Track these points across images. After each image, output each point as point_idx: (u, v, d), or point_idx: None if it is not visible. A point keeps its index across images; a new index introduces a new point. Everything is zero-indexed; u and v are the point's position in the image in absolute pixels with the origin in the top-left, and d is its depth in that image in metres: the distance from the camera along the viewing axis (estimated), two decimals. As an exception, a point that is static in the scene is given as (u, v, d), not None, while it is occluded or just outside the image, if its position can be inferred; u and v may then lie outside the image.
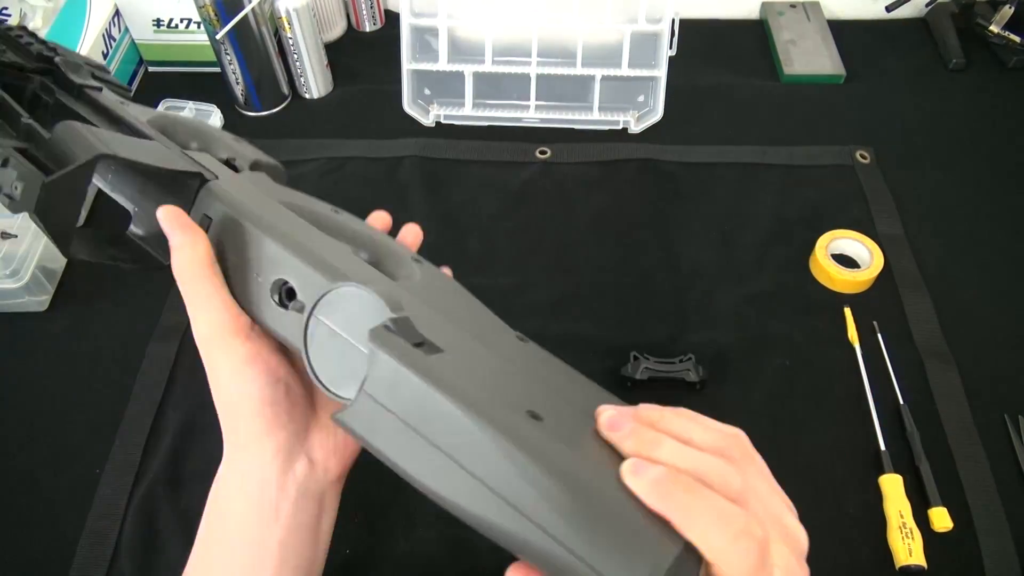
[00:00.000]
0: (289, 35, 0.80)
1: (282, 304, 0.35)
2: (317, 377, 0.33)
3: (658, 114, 0.81)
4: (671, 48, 0.79)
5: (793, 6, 0.96)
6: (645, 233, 0.73)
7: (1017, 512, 0.55)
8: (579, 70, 0.80)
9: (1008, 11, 0.89)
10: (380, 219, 0.45)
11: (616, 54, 0.79)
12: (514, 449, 0.27)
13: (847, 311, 0.66)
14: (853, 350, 0.63)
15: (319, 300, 0.33)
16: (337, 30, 0.94)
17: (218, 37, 0.77)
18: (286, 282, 0.35)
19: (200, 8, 0.75)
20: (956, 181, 0.77)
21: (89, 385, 0.63)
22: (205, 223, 0.38)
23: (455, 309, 0.39)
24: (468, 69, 0.80)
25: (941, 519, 0.54)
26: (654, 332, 0.65)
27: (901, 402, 0.60)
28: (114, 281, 0.70)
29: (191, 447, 0.58)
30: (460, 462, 0.28)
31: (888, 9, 0.92)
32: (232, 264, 0.37)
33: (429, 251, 0.44)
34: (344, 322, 0.32)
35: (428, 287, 0.39)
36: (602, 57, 0.80)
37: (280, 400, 0.37)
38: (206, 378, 0.66)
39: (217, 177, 0.38)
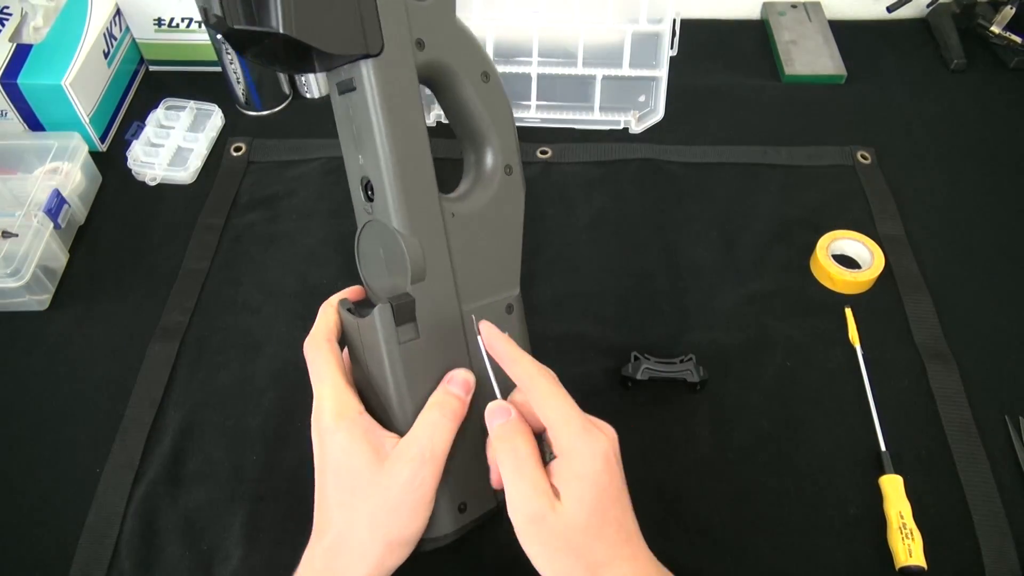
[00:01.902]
0: (290, 35, 0.80)
1: (368, 197, 0.45)
2: (360, 260, 0.47)
3: (659, 114, 0.81)
4: (672, 48, 0.79)
5: (794, 6, 0.96)
6: (645, 233, 0.73)
7: (1017, 512, 0.55)
8: (580, 70, 0.80)
9: (1009, 12, 0.88)
10: None
11: (617, 54, 0.79)
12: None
13: (848, 311, 0.66)
14: (854, 350, 0.63)
15: (369, 223, 0.45)
16: (338, 30, 0.94)
17: (219, 36, 0.77)
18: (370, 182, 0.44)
19: (201, 7, 0.75)
20: (957, 182, 0.77)
21: (89, 385, 0.63)
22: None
23: (471, 258, 0.47)
24: (469, 69, 0.80)
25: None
26: (654, 332, 0.65)
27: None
28: (114, 281, 0.70)
29: (191, 447, 0.58)
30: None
31: (889, 9, 0.92)
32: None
33: (429, 251, 0.45)
34: (384, 250, 0.44)
35: (469, 222, 0.47)
36: (603, 57, 0.80)
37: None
38: (206, 378, 0.66)
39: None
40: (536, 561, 0.39)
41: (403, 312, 0.43)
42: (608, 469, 0.40)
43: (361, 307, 0.45)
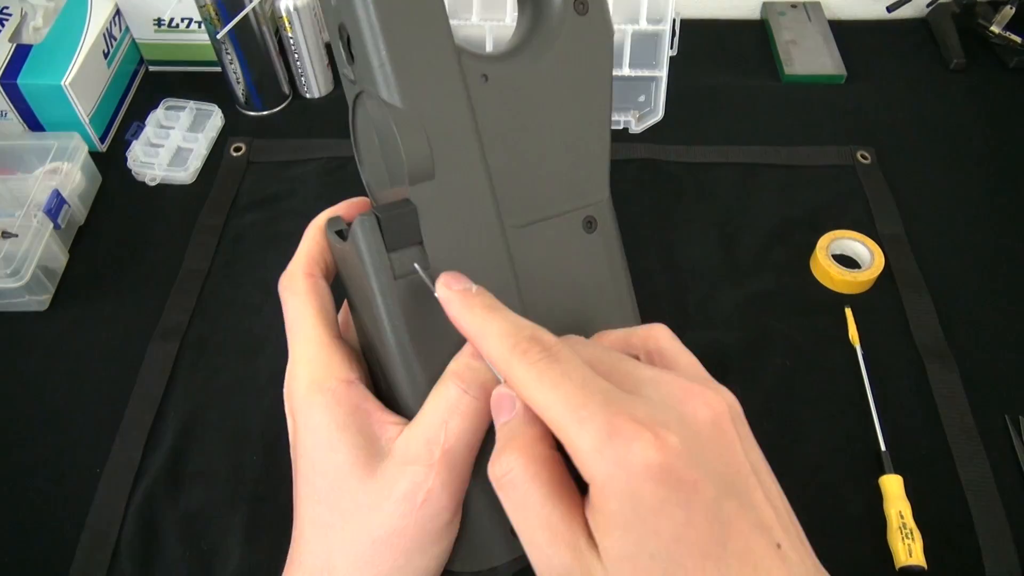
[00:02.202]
0: (290, 35, 0.80)
1: (348, 54, 0.29)
2: (358, 154, 0.33)
3: (659, 114, 0.81)
4: (672, 48, 0.79)
5: (794, 6, 0.96)
6: (645, 233, 0.73)
7: (1017, 512, 0.55)
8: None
9: (1009, 12, 0.88)
10: None
11: (617, 54, 0.79)
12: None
13: (848, 311, 0.66)
14: (854, 350, 0.63)
15: (359, 95, 0.30)
16: (338, 30, 0.94)
17: (219, 36, 0.77)
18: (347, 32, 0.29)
19: (201, 8, 0.75)
20: (957, 181, 0.77)
21: (89, 385, 0.63)
22: None
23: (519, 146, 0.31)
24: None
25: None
26: (654, 332, 0.65)
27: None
28: (114, 281, 0.70)
29: (191, 447, 0.58)
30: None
31: (889, 9, 0.92)
32: None
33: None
34: (379, 137, 0.30)
35: (515, 89, 0.30)
36: (603, 57, 0.80)
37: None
38: (206, 378, 0.66)
39: None
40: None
41: (396, 228, 0.28)
42: (674, 489, 0.22)
43: None
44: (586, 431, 0.23)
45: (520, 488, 0.25)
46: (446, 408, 0.28)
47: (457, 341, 0.29)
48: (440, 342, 0.29)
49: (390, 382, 0.30)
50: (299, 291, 0.31)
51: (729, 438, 0.25)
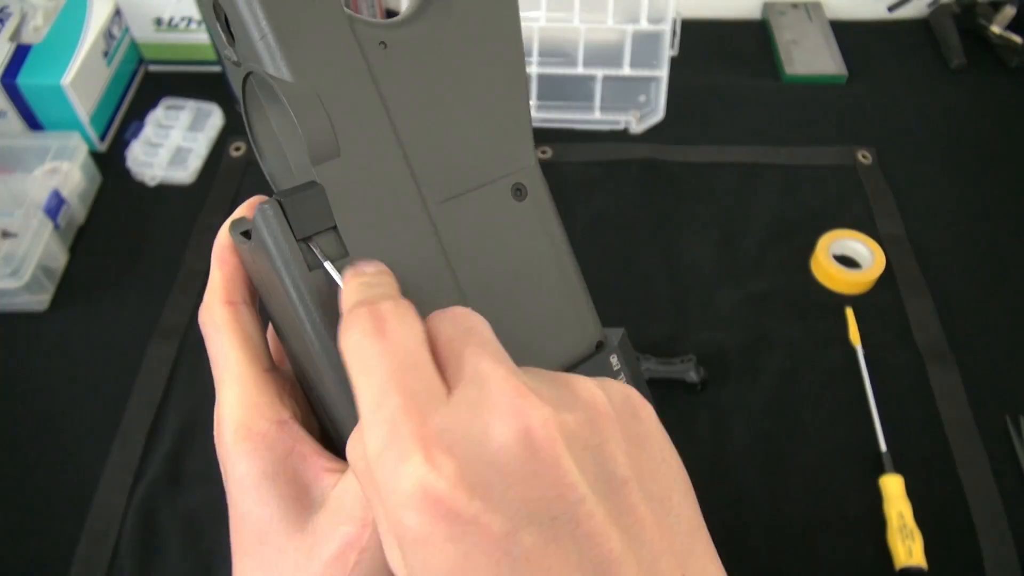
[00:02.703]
0: (290, 34, 0.80)
1: (228, 34, 0.26)
2: (256, 145, 0.29)
3: (659, 114, 0.81)
4: (673, 48, 0.79)
5: (795, 6, 0.96)
6: (646, 233, 0.73)
7: (1017, 512, 0.55)
8: (580, 70, 0.80)
9: (1010, 12, 0.88)
10: None
11: (617, 54, 0.79)
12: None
13: (848, 311, 0.66)
14: (854, 350, 0.63)
15: (247, 78, 0.26)
16: (338, 30, 0.94)
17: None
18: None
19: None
20: (958, 181, 0.77)
21: (89, 385, 0.63)
22: None
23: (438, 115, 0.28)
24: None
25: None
26: (654, 332, 0.65)
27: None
28: (114, 281, 0.70)
29: (191, 447, 0.58)
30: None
31: (890, 9, 0.92)
32: None
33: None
34: (275, 120, 0.26)
35: (417, 53, 0.28)
36: (603, 57, 0.80)
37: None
38: (206, 378, 0.66)
39: None
40: None
41: (304, 213, 0.25)
42: (444, 522, 0.19)
43: None
44: (371, 435, 0.20)
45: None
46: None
47: None
48: None
49: (326, 406, 0.26)
50: (219, 324, 0.27)
51: (544, 457, 0.19)
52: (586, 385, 0.22)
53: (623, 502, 0.20)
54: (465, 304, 0.26)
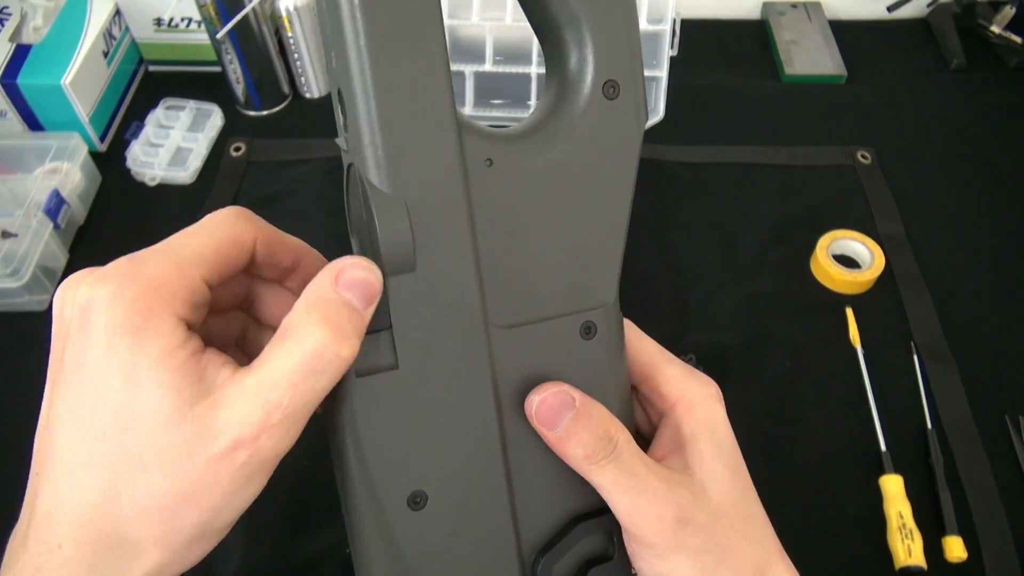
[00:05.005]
0: (290, 34, 0.80)
1: (344, 122, 0.26)
2: (351, 224, 0.29)
3: (659, 114, 0.81)
4: (672, 48, 0.79)
5: (794, 6, 0.96)
6: (645, 233, 0.73)
7: (1018, 512, 0.55)
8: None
9: (1010, 12, 0.88)
10: None
11: (617, 54, 0.79)
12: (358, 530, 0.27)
13: (848, 311, 0.66)
14: (854, 351, 0.63)
15: (350, 166, 0.27)
16: (338, 30, 0.94)
17: (219, 36, 0.77)
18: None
19: (201, 7, 0.75)
20: (958, 181, 0.77)
21: (89, 385, 0.62)
22: None
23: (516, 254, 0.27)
24: (468, 69, 0.80)
25: (956, 548, 0.52)
26: (654, 332, 0.64)
27: (929, 427, 0.59)
28: (114, 281, 0.70)
29: (191, 447, 0.58)
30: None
31: (890, 9, 0.92)
32: None
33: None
34: (365, 212, 0.26)
35: (522, 177, 0.27)
36: (603, 57, 0.80)
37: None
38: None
39: None
40: (678, 574, 0.28)
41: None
42: (726, 416, 0.31)
43: None
44: (675, 366, 0.31)
45: (627, 450, 0.27)
46: (303, 364, 0.23)
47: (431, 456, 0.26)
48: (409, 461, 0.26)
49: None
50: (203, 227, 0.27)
51: None
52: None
53: None
54: (505, 447, 0.28)
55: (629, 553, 0.29)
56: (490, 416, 0.27)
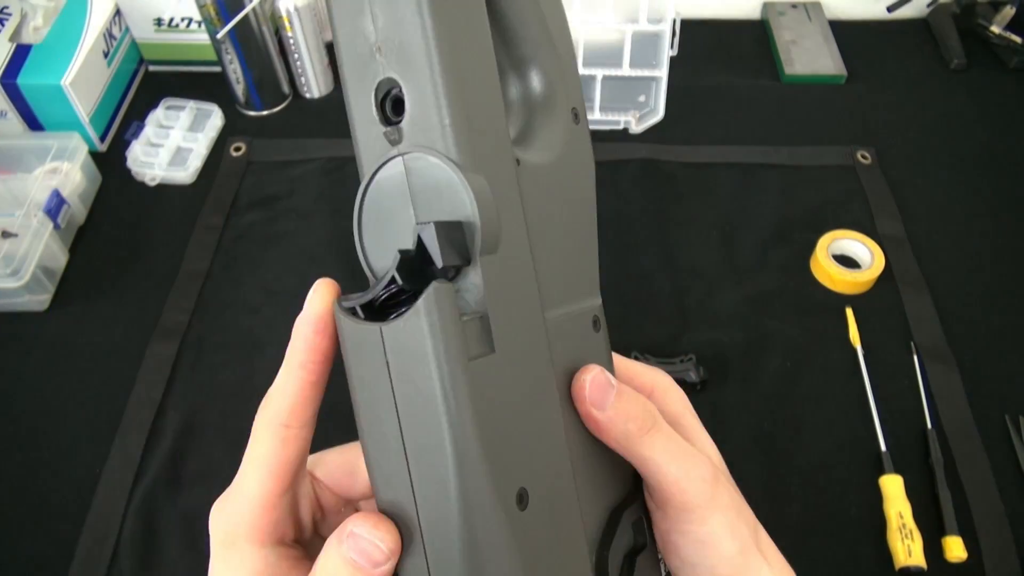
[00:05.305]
0: (290, 34, 0.80)
1: (384, 119, 0.25)
2: (360, 228, 0.26)
3: (659, 114, 0.81)
4: (672, 48, 0.79)
5: (794, 6, 0.96)
6: (645, 233, 0.73)
7: (1017, 512, 0.55)
8: (580, 70, 0.80)
9: (1009, 12, 0.88)
10: None
11: (617, 54, 0.79)
12: (464, 534, 0.24)
13: (848, 311, 0.66)
14: (854, 350, 0.63)
15: (408, 152, 0.25)
16: (338, 30, 0.94)
17: (219, 36, 0.77)
18: (398, 88, 0.25)
19: (201, 7, 0.75)
20: (957, 181, 0.77)
21: (89, 385, 0.63)
22: None
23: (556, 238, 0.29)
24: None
25: (956, 548, 0.52)
26: (654, 332, 0.65)
27: (929, 426, 0.59)
28: (114, 281, 0.70)
29: (191, 447, 0.58)
30: (410, 465, 0.24)
31: (889, 10, 0.92)
32: None
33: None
34: (424, 195, 0.25)
35: (539, 177, 0.28)
36: (603, 57, 0.80)
37: None
38: (206, 378, 0.66)
39: None
40: (716, 535, 0.29)
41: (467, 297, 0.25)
42: (729, 488, 0.32)
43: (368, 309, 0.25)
44: (640, 367, 0.33)
45: (662, 421, 0.29)
46: None
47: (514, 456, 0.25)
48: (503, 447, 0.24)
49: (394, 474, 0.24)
50: (268, 433, 0.27)
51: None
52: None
53: None
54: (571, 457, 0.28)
55: (664, 531, 0.30)
56: (556, 405, 0.27)
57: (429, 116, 0.24)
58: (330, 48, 0.89)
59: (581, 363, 0.29)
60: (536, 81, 0.30)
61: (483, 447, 0.24)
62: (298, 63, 0.83)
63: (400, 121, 0.25)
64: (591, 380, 0.28)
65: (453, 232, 0.24)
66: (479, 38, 0.25)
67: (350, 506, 0.31)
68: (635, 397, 0.29)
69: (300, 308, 0.26)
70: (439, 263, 0.23)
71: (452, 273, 0.24)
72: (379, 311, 0.25)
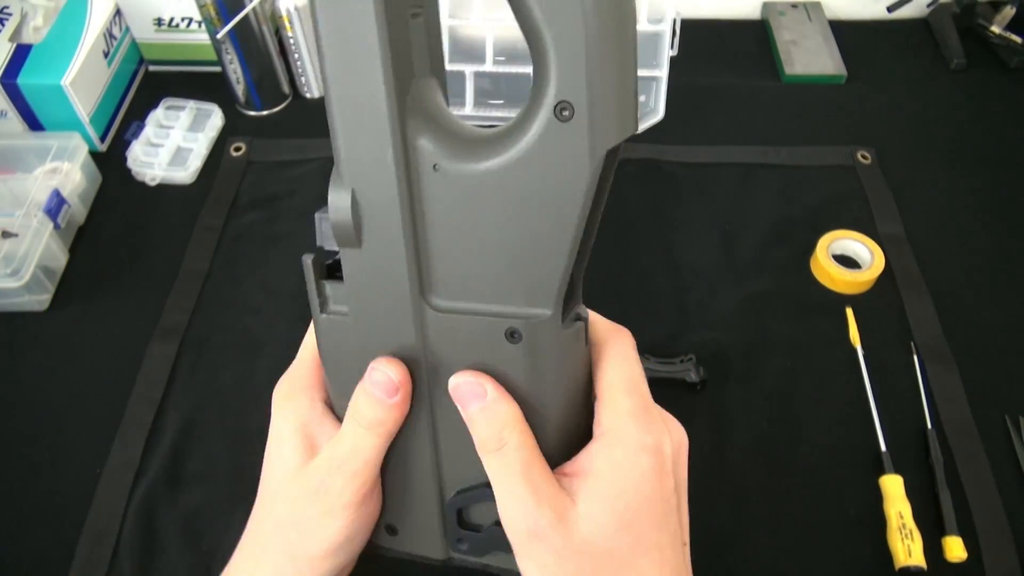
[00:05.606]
0: (290, 34, 0.80)
1: None
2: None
3: (659, 114, 0.81)
4: (672, 48, 0.79)
5: (794, 6, 0.96)
6: (645, 233, 0.73)
7: (1018, 513, 0.55)
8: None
9: (1010, 12, 0.88)
10: None
11: (617, 54, 0.79)
12: None
13: (848, 311, 0.66)
14: (854, 350, 0.63)
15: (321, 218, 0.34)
16: (338, 30, 0.94)
17: (219, 36, 0.77)
18: None
19: (201, 7, 0.75)
20: (957, 182, 0.77)
21: (89, 385, 0.63)
22: None
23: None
24: (468, 69, 0.80)
25: (956, 548, 0.52)
26: (654, 332, 0.65)
27: (929, 426, 0.59)
28: (114, 281, 0.70)
29: (191, 447, 0.58)
30: None
31: (890, 10, 0.92)
32: None
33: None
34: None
35: (467, 187, 0.30)
36: (603, 57, 0.80)
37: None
38: (206, 378, 0.66)
39: None
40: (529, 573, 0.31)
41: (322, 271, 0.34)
42: (657, 473, 0.31)
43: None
44: (618, 401, 0.32)
45: (512, 454, 0.31)
46: (352, 433, 0.34)
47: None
48: (356, 375, 0.34)
49: (331, 392, 0.37)
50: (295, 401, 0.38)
51: (682, 461, 0.34)
52: (676, 423, 0.35)
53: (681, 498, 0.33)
54: (433, 419, 0.34)
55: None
56: (420, 378, 0.34)
57: (332, 134, 0.30)
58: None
59: (481, 363, 0.32)
60: (535, 73, 0.28)
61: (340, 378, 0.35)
62: (298, 63, 0.83)
63: None
64: (454, 384, 0.32)
65: (328, 226, 0.32)
66: (368, 63, 0.28)
67: None
68: (489, 418, 0.31)
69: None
70: (319, 244, 0.33)
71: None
72: (330, 270, 0.34)
